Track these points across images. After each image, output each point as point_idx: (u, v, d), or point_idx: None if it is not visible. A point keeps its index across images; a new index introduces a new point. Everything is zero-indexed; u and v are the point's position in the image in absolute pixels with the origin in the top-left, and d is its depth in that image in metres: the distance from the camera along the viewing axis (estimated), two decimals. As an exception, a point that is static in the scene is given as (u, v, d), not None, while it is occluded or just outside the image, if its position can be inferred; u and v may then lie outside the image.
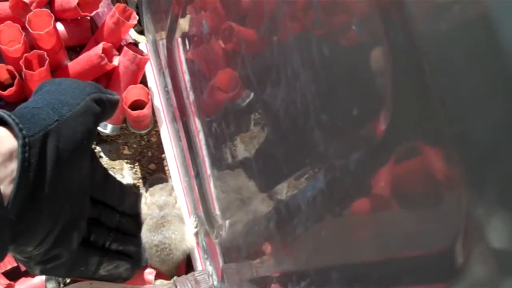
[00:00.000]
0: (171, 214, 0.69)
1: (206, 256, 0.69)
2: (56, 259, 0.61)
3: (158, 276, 0.71)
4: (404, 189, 0.32)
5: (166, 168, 0.82)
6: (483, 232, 0.25)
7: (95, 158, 0.66)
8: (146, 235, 0.68)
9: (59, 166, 0.55)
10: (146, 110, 0.71)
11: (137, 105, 0.72)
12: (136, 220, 0.71)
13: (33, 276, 0.71)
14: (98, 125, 0.62)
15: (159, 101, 0.77)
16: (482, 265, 0.25)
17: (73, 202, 0.59)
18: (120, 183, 0.70)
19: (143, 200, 0.70)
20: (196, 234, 0.70)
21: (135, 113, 0.70)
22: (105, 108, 0.62)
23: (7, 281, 0.70)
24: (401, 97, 0.29)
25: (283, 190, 0.45)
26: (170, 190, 0.72)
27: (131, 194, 0.71)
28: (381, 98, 0.30)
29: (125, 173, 0.82)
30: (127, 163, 0.82)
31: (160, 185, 0.72)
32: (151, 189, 0.71)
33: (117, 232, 0.68)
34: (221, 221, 0.64)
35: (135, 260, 0.70)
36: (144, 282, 0.70)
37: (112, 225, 0.68)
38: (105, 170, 0.68)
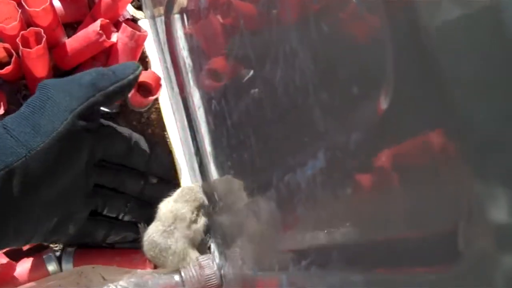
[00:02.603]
0: (182, 234, 0.63)
1: (209, 234, 0.69)
2: (55, 242, 0.61)
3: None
4: (405, 168, 0.31)
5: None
6: (485, 209, 0.24)
7: (115, 129, 0.64)
8: (154, 230, 0.64)
9: (30, 193, 0.53)
10: (156, 95, 0.70)
11: (142, 85, 0.71)
12: (163, 183, 0.68)
13: (33, 256, 0.71)
14: (90, 139, 0.59)
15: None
16: (483, 242, 0.25)
17: (58, 206, 0.58)
18: (151, 145, 0.68)
19: (165, 202, 0.65)
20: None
21: (145, 99, 0.69)
22: (105, 103, 0.60)
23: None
24: (403, 77, 0.28)
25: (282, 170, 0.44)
26: (195, 207, 0.64)
27: (159, 155, 0.69)
28: (382, 76, 0.29)
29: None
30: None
31: (187, 197, 0.64)
32: (176, 196, 0.65)
33: (136, 201, 0.66)
34: (222, 200, 0.63)
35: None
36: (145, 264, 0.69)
37: (134, 193, 0.66)
38: (127, 138, 0.65)
